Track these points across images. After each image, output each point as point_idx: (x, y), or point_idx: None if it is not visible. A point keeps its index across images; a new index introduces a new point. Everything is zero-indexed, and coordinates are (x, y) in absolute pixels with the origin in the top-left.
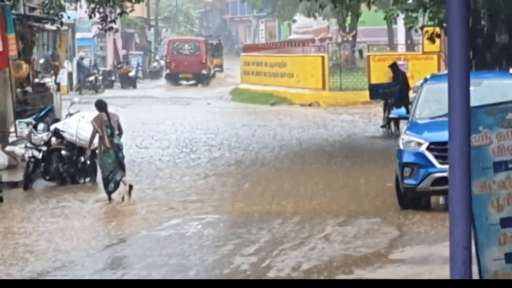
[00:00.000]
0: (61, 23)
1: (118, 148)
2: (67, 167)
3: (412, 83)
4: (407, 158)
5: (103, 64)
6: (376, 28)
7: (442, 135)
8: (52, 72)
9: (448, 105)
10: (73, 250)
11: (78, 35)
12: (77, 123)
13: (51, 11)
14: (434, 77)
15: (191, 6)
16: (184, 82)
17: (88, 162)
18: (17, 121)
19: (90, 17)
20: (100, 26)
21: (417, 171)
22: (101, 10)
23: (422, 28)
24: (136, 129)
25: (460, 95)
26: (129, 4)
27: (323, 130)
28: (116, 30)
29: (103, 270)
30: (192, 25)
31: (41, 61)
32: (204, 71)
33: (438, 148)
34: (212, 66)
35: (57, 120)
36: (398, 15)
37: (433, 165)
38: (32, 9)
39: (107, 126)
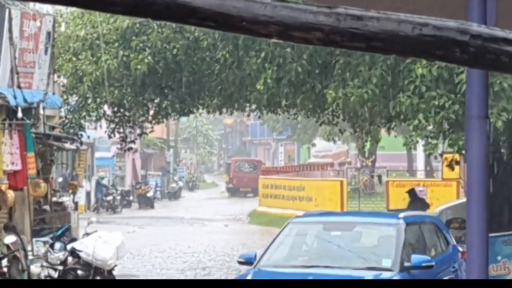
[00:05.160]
0: (81, 143)
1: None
2: None
3: (430, 210)
4: None
5: (122, 184)
6: (395, 153)
7: None
8: (70, 191)
9: (467, 233)
10: None
11: (97, 154)
12: (94, 243)
13: (71, 131)
14: (308, 214)
15: (211, 128)
16: (242, 195)
17: None
18: (34, 240)
19: (110, 137)
20: (119, 146)
21: None
22: (121, 130)
23: (441, 154)
24: (152, 251)
25: (478, 223)
26: (149, 125)
27: None
28: (135, 150)
29: None
30: (212, 146)
31: (60, 179)
32: None
33: None
34: None
35: (74, 240)
36: (417, 141)
37: None
38: (52, 128)
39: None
